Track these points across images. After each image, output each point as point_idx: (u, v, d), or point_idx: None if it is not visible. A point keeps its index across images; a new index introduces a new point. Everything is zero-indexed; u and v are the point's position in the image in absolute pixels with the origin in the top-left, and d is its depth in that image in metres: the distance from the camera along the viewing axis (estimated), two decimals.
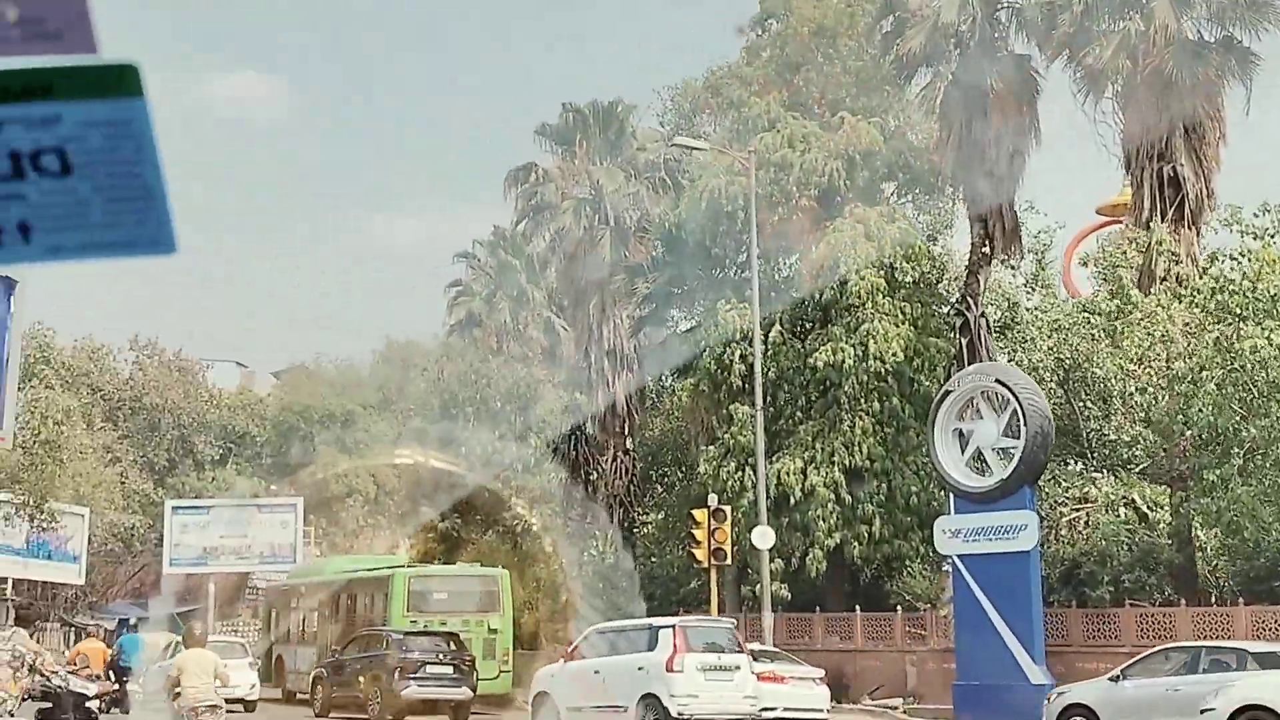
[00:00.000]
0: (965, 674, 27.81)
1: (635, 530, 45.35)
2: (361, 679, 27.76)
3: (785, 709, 24.71)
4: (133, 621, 20.74)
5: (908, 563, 34.98)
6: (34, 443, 39.61)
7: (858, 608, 33.91)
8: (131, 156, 1.15)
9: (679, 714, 21.44)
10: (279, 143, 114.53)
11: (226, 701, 26.82)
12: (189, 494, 60.37)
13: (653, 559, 44.61)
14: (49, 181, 1.15)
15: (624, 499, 43.64)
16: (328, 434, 60.97)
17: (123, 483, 57.99)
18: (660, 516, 44.81)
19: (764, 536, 30.86)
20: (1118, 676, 21.50)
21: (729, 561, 31.61)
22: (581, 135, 44.34)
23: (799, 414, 35.07)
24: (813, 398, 34.89)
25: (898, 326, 33.78)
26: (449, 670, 26.62)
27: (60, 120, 1.12)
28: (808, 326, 35.96)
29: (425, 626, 29.03)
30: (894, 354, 33.36)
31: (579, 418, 45.07)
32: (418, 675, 26.23)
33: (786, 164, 35.38)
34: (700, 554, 30.75)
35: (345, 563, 39.38)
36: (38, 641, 38.20)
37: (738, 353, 34.78)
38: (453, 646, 27.53)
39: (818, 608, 34.76)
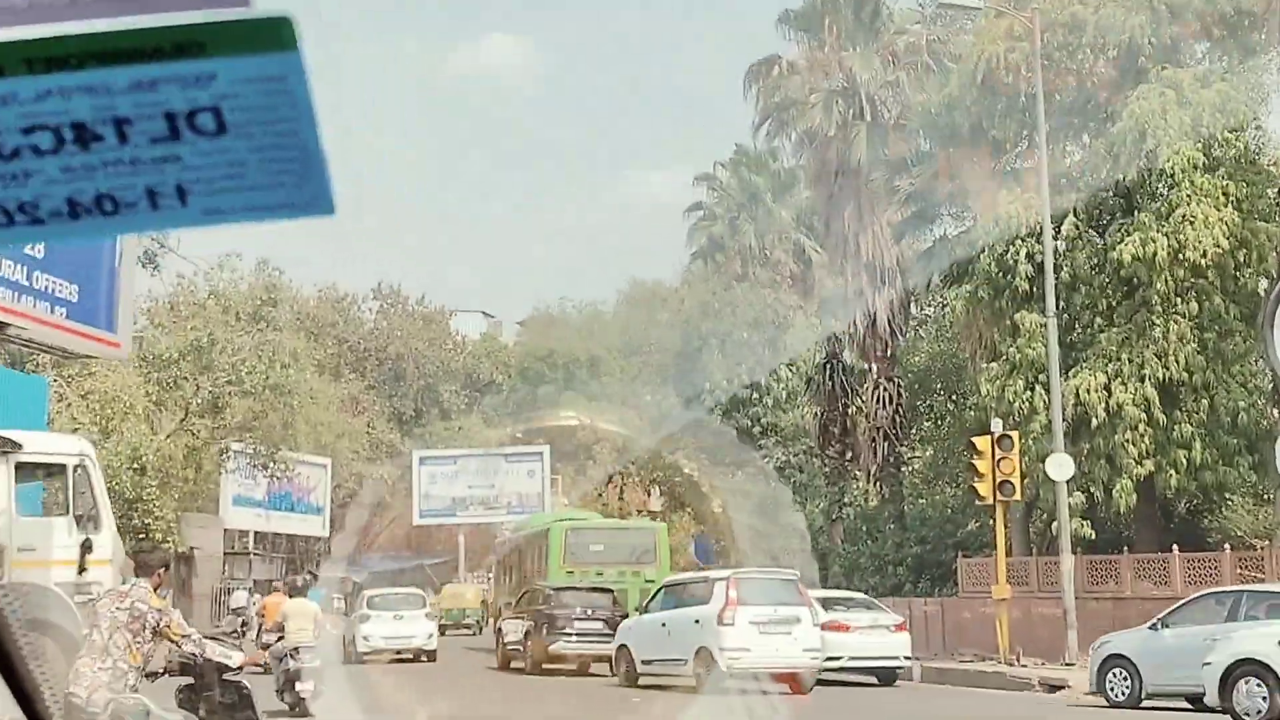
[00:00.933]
0: None
1: (902, 467, 42.40)
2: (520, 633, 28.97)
3: (851, 658, 24.69)
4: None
5: (1230, 494, 31.47)
6: (262, 388, 37.83)
7: (1175, 547, 30.03)
8: (288, 114, 1.14)
9: (728, 668, 21.34)
10: (526, 101, 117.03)
11: (407, 651, 29.50)
12: (436, 444, 59.50)
13: (922, 499, 42.38)
14: (205, 142, 1.15)
15: (888, 432, 39.88)
16: (573, 380, 59.34)
17: (369, 433, 57.71)
18: (930, 451, 42.08)
19: (1061, 466, 27.85)
20: (1157, 625, 20.64)
21: (1017, 497, 28.57)
22: (831, 20, 40.42)
23: (1100, 320, 31.57)
24: (1116, 300, 31.30)
25: (1219, 210, 29.27)
26: (599, 625, 27.10)
27: (215, 78, 1.12)
28: (1108, 215, 32.29)
29: (581, 579, 29.84)
30: (1215, 243, 29.18)
31: (834, 345, 41.72)
32: (566, 630, 27.03)
33: (1078, 23, 31.30)
34: (983, 488, 27.96)
35: (546, 516, 40.07)
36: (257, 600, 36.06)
37: (1023, 251, 31.29)
38: (605, 601, 27.99)
39: (1125, 548, 31.27)
